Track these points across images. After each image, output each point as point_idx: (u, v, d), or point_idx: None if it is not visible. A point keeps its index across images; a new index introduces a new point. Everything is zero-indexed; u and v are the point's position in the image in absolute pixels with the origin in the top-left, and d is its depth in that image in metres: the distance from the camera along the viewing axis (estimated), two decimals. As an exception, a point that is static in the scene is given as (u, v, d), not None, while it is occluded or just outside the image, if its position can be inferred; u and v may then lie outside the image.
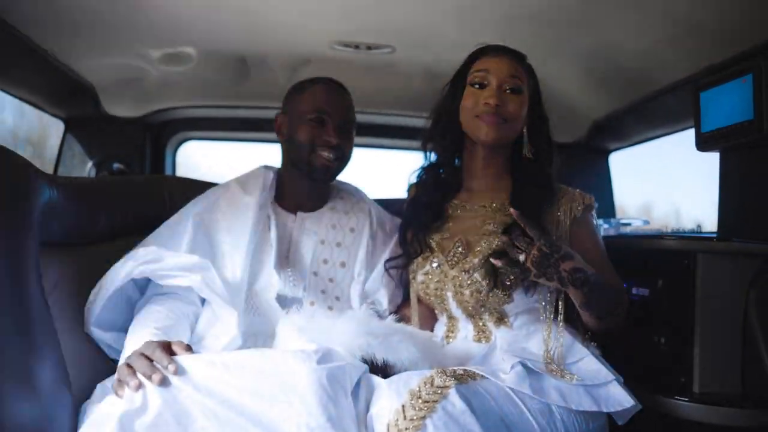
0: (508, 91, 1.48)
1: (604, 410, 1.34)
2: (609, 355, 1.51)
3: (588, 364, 1.42)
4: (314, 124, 1.67)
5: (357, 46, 2.05)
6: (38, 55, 1.97)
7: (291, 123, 1.72)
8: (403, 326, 1.38)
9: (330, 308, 1.64)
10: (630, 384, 1.43)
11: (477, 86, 1.50)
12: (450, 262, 1.52)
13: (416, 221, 1.61)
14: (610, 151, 2.77)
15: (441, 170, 1.63)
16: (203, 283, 1.45)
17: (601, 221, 2.35)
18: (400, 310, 1.70)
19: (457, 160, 1.64)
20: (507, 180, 1.57)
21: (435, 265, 1.54)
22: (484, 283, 1.45)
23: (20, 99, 2.34)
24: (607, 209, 2.75)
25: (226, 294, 1.48)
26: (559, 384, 1.34)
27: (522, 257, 1.27)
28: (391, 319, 1.41)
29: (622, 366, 1.48)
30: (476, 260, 1.48)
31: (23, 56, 1.97)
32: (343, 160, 1.71)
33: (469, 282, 1.47)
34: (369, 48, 2.07)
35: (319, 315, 1.35)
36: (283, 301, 1.63)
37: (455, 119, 1.55)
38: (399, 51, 2.09)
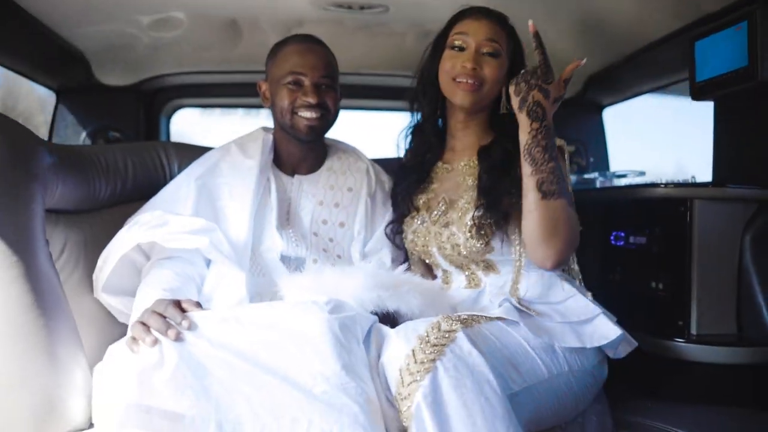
0: (485, 55, 1.49)
1: (588, 345, 1.37)
2: (608, 304, 1.55)
3: (575, 302, 1.46)
4: (292, 87, 1.66)
5: (350, 6, 2.04)
6: (28, 23, 1.95)
7: (271, 88, 1.72)
8: (410, 276, 1.41)
9: (332, 265, 1.65)
10: (630, 330, 1.47)
11: (456, 49, 1.52)
12: (432, 220, 1.57)
13: (404, 183, 1.66)
14: (604, 106, 2.79)
15: (425, 130, 1.66)
16: (211, 245, 1.47)
17: (596, 174, 2.38)
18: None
19: (440, 121, 1.67)
20: (489, 137, 1.60)
21: (419, 222, 1.60)
22: (460, 234, 1.48)
23: (11, 69, 2.32)
24: (602, 163, 2.77)
25: (233, 255, 1.50)
26: (544, 322, 1.38)
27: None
28: (399, 269, 1.44)
29: (622, 314, 1.52)
30: (455, 215, 1.52)
31: (13, 24, 1.95)
32: (327, 117, 1.69)
33: (448, 236, 1.52)
34: (362, 8, 2.05)
35: (326, 272, 1.37)
36: (287, 261, 1.66)
37: (436, 81, 1.58)
38: (392, 10, 2.07)
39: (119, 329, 1.55)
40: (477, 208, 1.48)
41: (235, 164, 1.68)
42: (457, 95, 1.51)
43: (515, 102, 1.35)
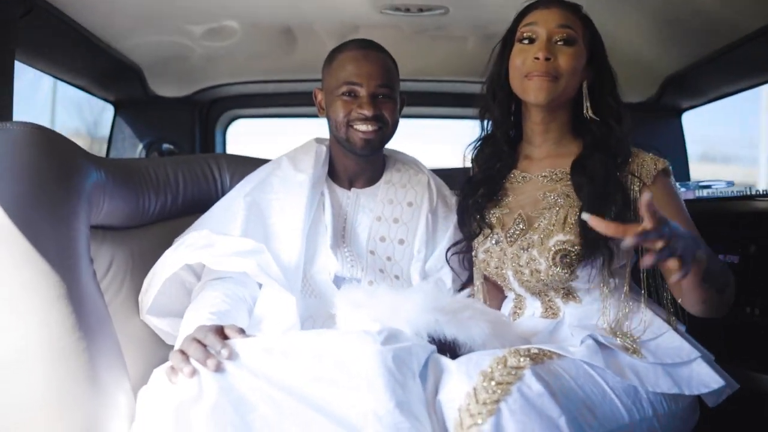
0: (559, 43, 1.36)
1: (687, 392, 1.22)
2: (695, 330, 1.39)
3: (668, 340, 1.31)
4: (346, 98, 1.57)
5: (408, 9, 1.95)
6: (83, 38, 1.95)
7: (326, 98, 1.63)
8: (472, 301, 1.30)
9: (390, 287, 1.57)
10: (721, 361, 1.31)
11: (525, 42, 1.39)
12: (509, 239, 1.42)
13: (473, 198, 1.51)
14: (684, 110, 2.59)
15: (497, 140, 1.52)
16: (259, 268, 1.40)
17: (677, 185, 2.20)
18: (465, 287, 1.61)
19: (512, 132, 1.53)
20: (572, 145, 1.45)
21: (494, 242, 1.46)
22: (542, 260, 1.34)
23: (70, 83, 2.35)
24: (682, 172, 2.58)
25: (283, 278, 1.43)
26: (634, 362, 1.23)
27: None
28: (461, 294, 1.32)
29: (711, 342, 1.36)
30: (536, 237, 1.38)
31: (69, 40, 1.96)
32: (384, 130, 1.59)
33: (527, 261, 1.37)
34: (420, 10, 1.96)
35: (381, 291, 1.26)
36: (340, 282, 1.57)
37: (506, 82, 1.45)
38: (452, 12, 1.97)
39: (167, 351, 1.48)
40: (566, 240, 1.33)
41: (286, 179, 1.61)
42: (531, 91, 1.37)
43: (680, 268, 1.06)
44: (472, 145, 1.57)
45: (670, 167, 1.40)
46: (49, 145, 1.27)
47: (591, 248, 1.31)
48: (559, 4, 1.40)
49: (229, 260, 1.42)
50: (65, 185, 1.28)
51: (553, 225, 1.36)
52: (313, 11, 2.03)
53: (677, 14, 1.90)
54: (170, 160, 1.78)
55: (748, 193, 1.93)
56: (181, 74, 2.46)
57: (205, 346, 1.08)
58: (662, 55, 2.20)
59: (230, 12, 2.02)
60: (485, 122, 1.53)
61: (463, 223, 1.55)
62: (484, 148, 1.55)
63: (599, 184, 1.33)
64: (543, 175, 1.45)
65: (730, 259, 1.59)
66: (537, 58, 1.35)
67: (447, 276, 1.60)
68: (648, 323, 1.33)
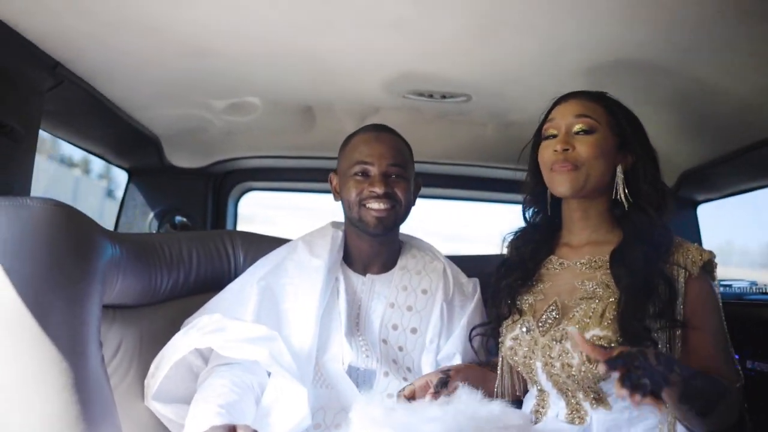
0: (580, 134, 1.38)
1: None
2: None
3: None
4: (359, 178, 1.60)
5: (431, 95, 1.97)
6: (106, 108, 1.97)
7: (340, 181, 1.66)
8: (495, 412, 1.21)
9: (405, 379, 1.53)
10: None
11: (549, 138, 1.43)
12: (541, 329, 1.38)
13: (506, 280, 1.49)
14: (699, 203, 2.59)
15: (537, 226, 1.54)
16: (271, 357, 1.37)
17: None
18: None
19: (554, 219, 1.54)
20: (613, 234, 1.43)
21: (524, 330, 1.41)
22: (576, 354, 1.29)
23: (86, 150, 2.35)
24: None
25: (295, 368, 1.38)
26: None
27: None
28: (487, 407, 1.25)
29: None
30: (570, 328, 1.33)
31: (91, 108, 1.97)
32: (397, 209, 1.60)
33: (560, 353, 1.32)
34: (443, 97, 1.98)
35: (399, 411, 1.20)
36: (354, 373, 1.53)
37: (540, 175, 1.47)
38: (474, 99, 1.99)
39: (171, 438, 1.43)
40: (603, 336, 1.29)
41: (301, 264, 1.59)
42: (555, 183, 1.40)
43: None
44: (515, 232, 1.57)
45: (715, 260, 1.37)
46: (69, 223, 1.25)
47: (631, 344, 1.25)
48: (578, 96, 1.44)
49: (241, 347, 1.38)
50: (82, 265, 1.25)
51: (590, 318, 1.32)
52: (334, 93, 2.04)
53: (698, 111, 1.92)
54: (184, 236, 1.77)
55: (768, 291, 1.90)
56: (198, 146, 2.47)
57: None
58: (680, 150, 2.21)
59: (253, 89, 2.04)
60: (528, 211, 1.55)
61: (493, 305, 1.52)
62: (524, 234, 1.55)
63: (639, 275, 1.31)
64: (582, 262, 1.42)
65: (761, 367, 1.54)
66: (556, 151, 1.38)
67: (458, 362, 1.55)
68: None
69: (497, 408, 1.24)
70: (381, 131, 1.66)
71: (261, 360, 1.37)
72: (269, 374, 1.45)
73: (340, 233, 1.67)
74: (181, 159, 2.52)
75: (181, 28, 1.56)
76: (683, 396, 1.12)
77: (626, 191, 1.38)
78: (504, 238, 1.59)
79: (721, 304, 1.35)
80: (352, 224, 1.63)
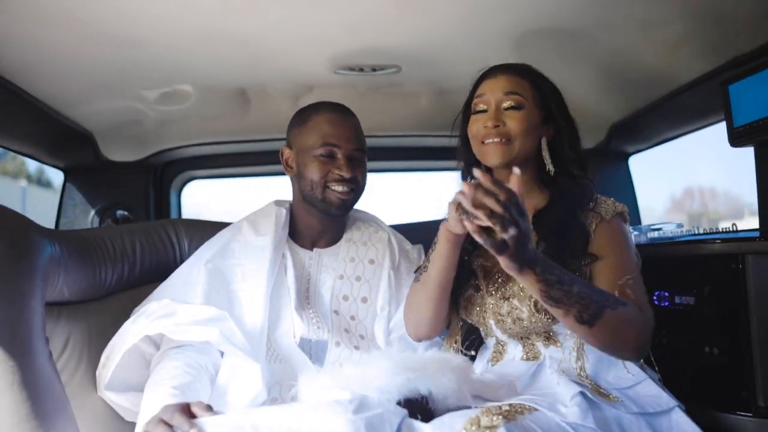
0: (509, 110, 1.45)
1: None
2: (658, 373, 1.43)
3: (646, 389, 1.34)
4: (324, 159, 1.60)
5: (362, 69, 2.00)
6: (33, 107, 1.93)
7: (299, 158, 1.65)
8: (437, 354, 1.30)
9: (356, 347, 1.57)
10: (684, 402, 1.34)
11: (479, 113, 1.49)
12: (489, 290, 1.45)
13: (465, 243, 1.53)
14: (630, 154, 2.70)
15: None
16: (222, 337, 1.38)
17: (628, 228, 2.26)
18: None
19: None
20: (542, 196, 1.51)
21: (473, 290, 1.49)
22: (524, 309, 1.37)
23: (17, 152, 2.30)
24: (632, 215, 2.66)
25: (248, 346, 1.41)
26: (619, 415, 1.25)
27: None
28: (422, 348, 1.31)
29: (674, 384, 1.39)
30: (515, 288, 1.41)
31: (17, 108, 1.93)
32: (357, 191, 1.65)
33: (509, 310, 1.41)
34: (374, 70, 2.01)
35: (346, 368, 1.26)
36: (307, 345, 1.57)
37: (470, 147, 1.54)
38: (405, 70, 2.03)
39: (128, 428, 1.44)
40: None
41: (247, 243, 1.61)
42: (488, 156, 1.46)
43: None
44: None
45: (627, 214, 1.47)
46: (2, 223, 1.24)
47: None
48: (506, 71, 1.50)
49: (192, 329, 1.40)
50: (18, 265, 1.25)
51: None
52: (267, 73, 2.05)
53: (619, 66, 2.00)
54: (126, 229, 1.76)
55: (697, 231, 2.00)
56: (134, 139, 2.44)
57: (171, 427, 1.05)
58: (608, 104, 2.30)
59: (184, 76, 2.04)
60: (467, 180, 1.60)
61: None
62: None
63: (557, 226, 1.41)
64: None
65: (687, 301, 1.64)
66: (486, 126, 1.45)
67: None
68: (627, 369, 1.37)
69: (438, 352, 1.31)
70: (345, 113, 1.67)
71: (212, 340, 1.39)
72: (222, 354, 1.48)
73: (284, 211, 1.69)
74: (117, 153, 2.49)
75: (106, 17, 1.55)
76: (546, 286, 1.19)
77: (551, 160, 1.46)
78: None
79: (633, 243, 1.44)
80: (308, 202, 1.65)
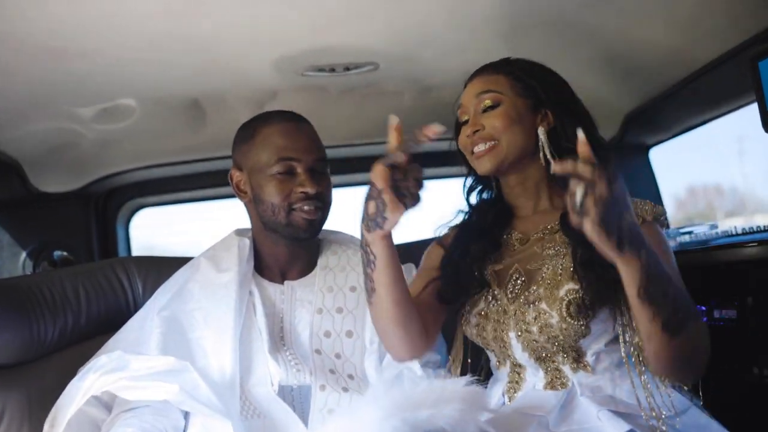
0: (487, 111, 1.51)
1: None
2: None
3: (693, 418, 1.35)
4: (282, 177, 1.60)
5: (333, 69, 2.01)
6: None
7: (252, 180, 1.64)
8: (435, 383, 1.26)
9: (345, 389, 1.56)
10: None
11: (463, 124, 1.56)
12: (510, 296, 1.46)
13: (473, 250, 1.55)
14: (650, 147, 2.72)
15: (485, 202, 1.65)
16: (183, 393, 1.37)
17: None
18: None
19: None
20: (560, 196, 1.52)
21: (490, 299, 1.49)
22: (553, 312, 1.38)
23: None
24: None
25: (215, 401, 1.40)
26: None
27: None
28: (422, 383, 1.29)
29: (717, 411, 1.40)
30: (541, 290, 1.42)
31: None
32: (325, 208, 1.65)
33: (535, 315, 1.41)
34: (347, 69, 2.02)
35: (330, 422, 1.24)
36: (287, 393, 1.56)
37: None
38: (383, 67, 2.04)
39: None
40: (577, 282, 1.39)
41: (208, 283, 1.61)
42: (478, 165, 1.52)
43: (608, 244, 1.14)
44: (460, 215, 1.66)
45: (666, 219, 1.49)
46: None
47: (596, 293, 1.36)
48: (480, 73, 1.57)
49: (146, 386, 1.39)
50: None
51: (560, 274, 1.42)
52: (223, 80, 2.05)
53: (627, 49, 2.02)
54: (67, 273, 1.75)
55: (735, 232, 2.02)
56: (69, 165, 2.43)
57: None
58: (619, 93, 2.33)
59: (126, 89, 2.03)
60: (472, 194, 1.66)
61: (454, 276, 1.55)
62: (478, 209, 1.64)
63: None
64: (535, 233, 1.53)
65: (728, 314, 1.65)
66: (468, 136, 1.51)
67: (415, 363, 1.58)
68: (671, 397, 1.38)
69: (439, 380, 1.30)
70: (299, 120, 1.67)
71: (171, 398, 1.37)
72: (188, 416, 1.46)
73: (247, 241, 1.69)
74: (50, 183, 2.47)
75: (32, 28, 1.54)
76: (647, 279, 1.17)
77: (552, 152, 1.48)
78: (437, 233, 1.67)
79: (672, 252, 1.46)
80: (271, 229, 1.64)
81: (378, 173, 1.20)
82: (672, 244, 2.15)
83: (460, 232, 1.63)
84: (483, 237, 1.57)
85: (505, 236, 1.58)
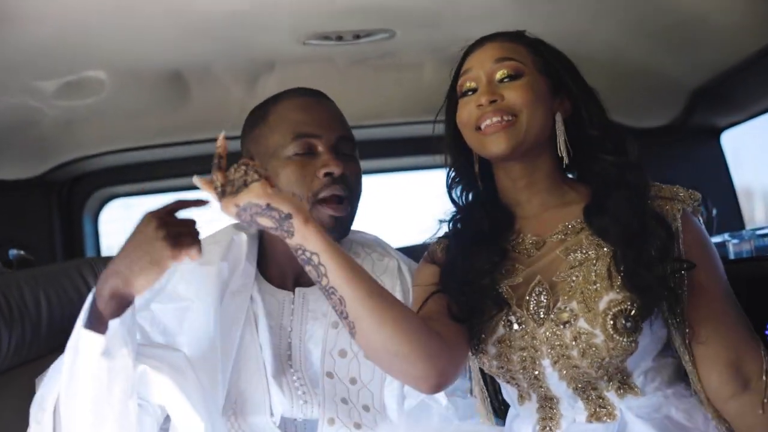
0: (505, 80, 1.50)
1: None
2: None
3: None
4: (301, 159, 1.61)
5: (340, 37, 2.03)
6: None
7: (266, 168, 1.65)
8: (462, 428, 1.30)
9: (357, 426, 1.58)
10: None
11: (468, 94, 1.53)
12: (535, 317, 1.48)
13: (478, 263, 1.53)
14: (722, 130, 2.74)
15: (474, 205, 1.62)
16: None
17: (726, 236, 2.29)
18: None
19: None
20: (574, 191, 1.57)
21: (515, 325, 1.48)
22: (597, 331, 1.41)
23: None
24: (729, 212, 2.69)
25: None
26: None
27: None
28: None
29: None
30: (574, 304, 1.43)
31: None
32: (354, 199, 1.65)
33: (574, 336, 1.43)
34: (358, 37, 2.04)
35: None
36: (290, 426, 1.58)
37: (463, 144, 1.57)
38: (400, 35, 2.06)
39: None
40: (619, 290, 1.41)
41: (186, 274, 1.60)
42: (488, 144, 1.48)
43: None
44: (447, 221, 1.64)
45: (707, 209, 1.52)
46: None
47: (648, 299, 1.39)
48: (494, 39, 1.55)
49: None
50: None
51: (595, 283, 1.43)
52: (211, 49, 2.08)
53: (692, 13, 2.04)
54: (24, 276, 1.78)
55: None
56: (27, 147, 2.46)
57: None
58: (683, 66, 2.34)
59: (94, 59, 2.06)
60: (455, 191, 1.64)
61: (462, 303, 1.52)
62: (466, 217, 1.62)
63: (627, 221, 1.44)
64: (551, 235, 1.53)
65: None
66: (481, 105, 1.48)
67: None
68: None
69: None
70: (319, 95, 1.69)
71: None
72: None
73: (245, 237, 1.69)
74: (4, 169, 2.51)
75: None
76: None
77: (567, 141, 1.51)
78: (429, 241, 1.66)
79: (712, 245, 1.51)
80: None
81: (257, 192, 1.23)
82: (746, 247, 2.17)
83: (453, 243, 1.60)
84: (485, 245, 1.55)
85: (513, 242, 1.57)
